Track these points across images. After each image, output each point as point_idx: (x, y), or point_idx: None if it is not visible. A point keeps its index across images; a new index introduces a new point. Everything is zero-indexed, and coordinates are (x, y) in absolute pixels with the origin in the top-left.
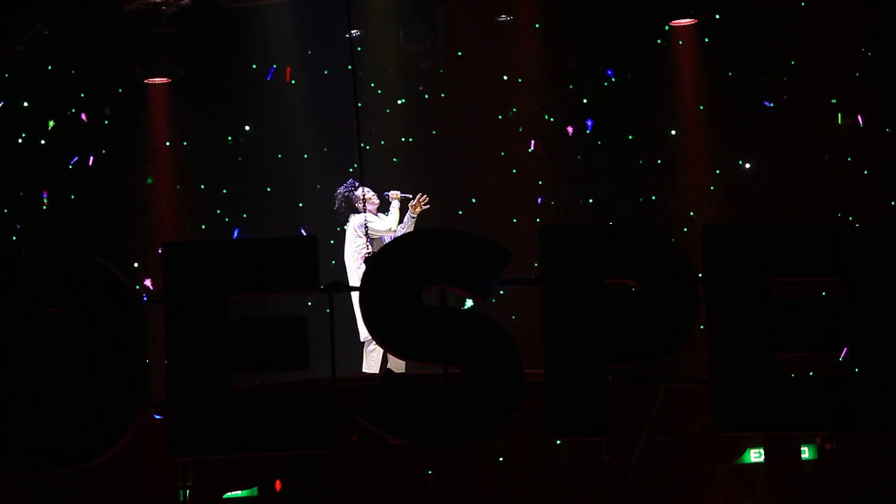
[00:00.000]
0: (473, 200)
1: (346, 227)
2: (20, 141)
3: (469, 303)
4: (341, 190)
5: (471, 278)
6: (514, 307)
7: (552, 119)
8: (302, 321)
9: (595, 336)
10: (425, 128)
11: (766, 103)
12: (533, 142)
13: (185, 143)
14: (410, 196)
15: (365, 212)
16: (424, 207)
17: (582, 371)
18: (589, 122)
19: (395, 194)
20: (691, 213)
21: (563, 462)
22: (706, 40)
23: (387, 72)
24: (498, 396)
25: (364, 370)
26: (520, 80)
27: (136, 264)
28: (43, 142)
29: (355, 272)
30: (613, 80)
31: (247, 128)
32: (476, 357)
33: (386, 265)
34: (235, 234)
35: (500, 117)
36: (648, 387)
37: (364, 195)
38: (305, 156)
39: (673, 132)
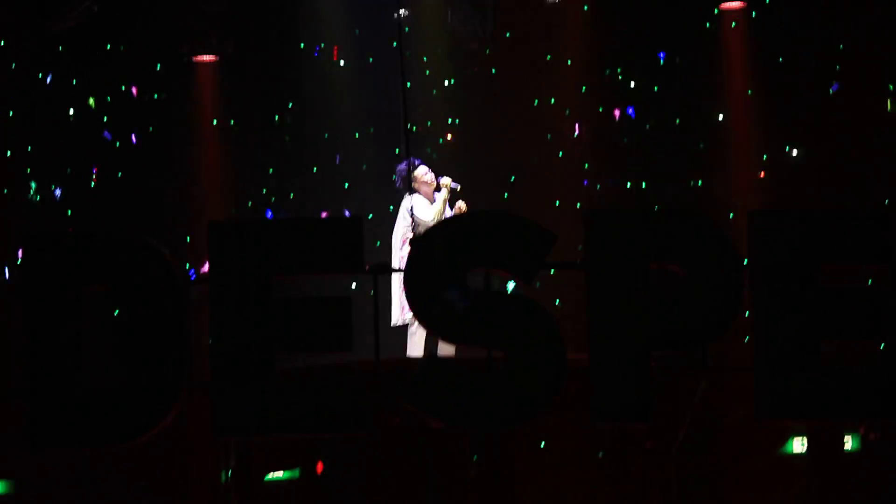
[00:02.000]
0: (519, 183)
1: (402, 205)
2: (69, 118)
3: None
4: (402, 167)
5: (516, 261)
6: (558, 291)
7: (599, 103)
8: (346, 302)
9: (639, 321)
10: (472, 110)
11: (835, 87)
12: (577, 125)
13: (232, 122)
14: (459, 187)
15: (416, 193)
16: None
17: (625, 356)
18: (630, 110)
19: (445, 182)
20: (737, 199)
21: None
22: (755, 24)
23: (434, 52)
24: (541, 380)
25: (408, 353)
26: (568, 63)
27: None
28: (89, 118)
29: (398, 254)
30: (661, 63)
31: (293, 107)
32: (520, 341)
33: (430, 246)
34: (269, 215)
35: (547, 100)
36: (691, 374)
37: (420, 176)
38: (355, 136)
39: (720, 117)
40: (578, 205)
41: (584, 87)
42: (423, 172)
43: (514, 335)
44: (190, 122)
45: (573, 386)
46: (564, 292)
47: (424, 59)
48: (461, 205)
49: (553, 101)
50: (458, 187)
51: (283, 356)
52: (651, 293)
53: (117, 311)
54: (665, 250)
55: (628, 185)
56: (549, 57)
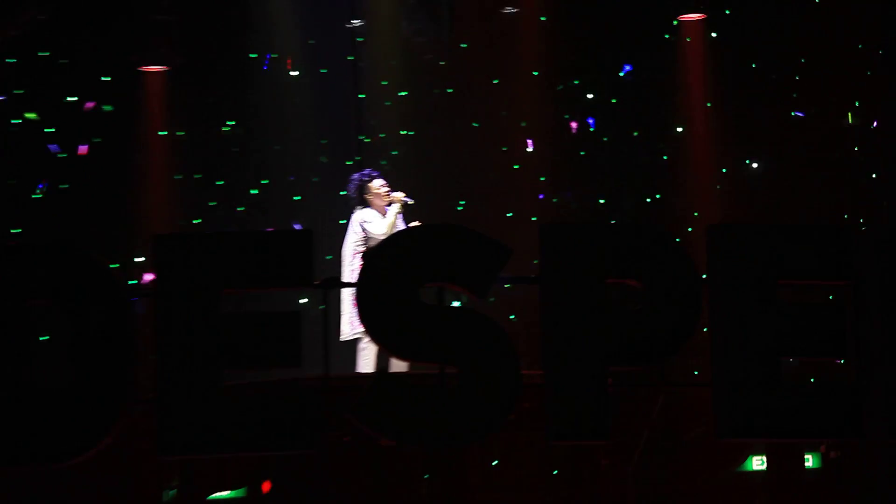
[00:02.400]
0: (473, 196)
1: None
2: (12, 128)
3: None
4: (356, 176)
5: (470, 276)
6: (512, 306)
7: (557, 114)
8: (295, 317)
9: (595, 337)
10: (426, 121)
11: (798, 114)
12: (531, 141)
13: (180, 133)
14: (413, 202)
15: (367, 207)
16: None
17: (581, 373)
18: (591, 121)
19: (397, 196)
20: (696, 213)
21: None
22: (714, 36)
23: (388, 63)
24: (495, 398)
25: (358, 369)
26: (529, 74)
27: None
28: (34, 130)
29: (349, 268)
30: (621, 74)
31: (244, 118)
32: (473, 357)
33: (383, 260)
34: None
35: (502, 112)
36: (649, 390)
37: (375, 188)
38: (304, 148)
39: (679, 129)
40: (534, 218)
41: (541, 100)
42: (378, 185)
43: (467, 351)
44: (137, 132)
45: (528, 403)
46: (519, 307)
47: (374, 76)
48: (399, 195)
49: (508, 113)
50: (412, 202)
51: (230, 372)
52: (608, 308)
53: (59, 326)
54: (622, 265)
55: (592, 198)
56: (508, 71)
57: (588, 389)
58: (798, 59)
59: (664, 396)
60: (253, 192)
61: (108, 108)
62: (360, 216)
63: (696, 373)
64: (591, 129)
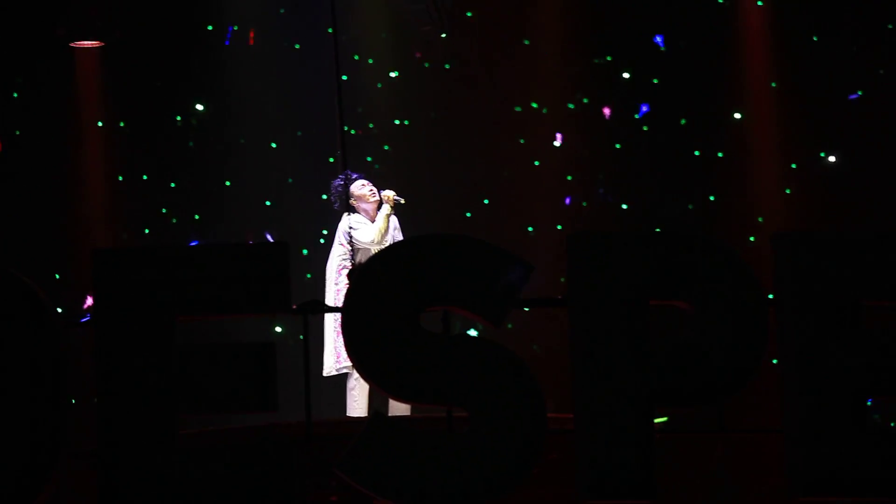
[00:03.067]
0: (485, 201)
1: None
2: None
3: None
4: (337, 182)
5: (482, 297)
6: (535, 335)
7: (585, 99)
8: (268, 350)
9: (637, 371)
10: (424, 108)
11: (852, 97)
12: (560, 136)
13: (122, 124)
14: (403, 201)
15: (354, 213)
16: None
17: (620, 416)
18: (638, 106)
19: (387, 195)
20: (759, 219)
21: None
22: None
23: (377, 37)
24: (514, 447)
25: (349, 413)
26: (551, 48)
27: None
28: None
29: (334, 288)
30: (663, 49)
31: (200, 106)
32: (487, 397)
33: (374, 280)
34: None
35: (519, 96)
36: (704, 437)
37: (357, 191)
38: (274, 144)
39: (738, 116)
40: (560, 227)
41: (565, 81)
42: (359, 186)
43: (480, 390)
44: (68, 124)
45: (555, 453)
46: (543, 336)
47: (358, 55)
48: (389, 193)
49: (520, 96)
50: (403, 201)
51: (188, 418)
52: (652, 336)
53: None
54: (669, 283)
55: (630, 201)
56: (526, 42)
57: (629, 436)
58: (885, 26)
59: (723, 445)
60: (214, 196)
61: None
62: (345, 223)
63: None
64: (638, 117)
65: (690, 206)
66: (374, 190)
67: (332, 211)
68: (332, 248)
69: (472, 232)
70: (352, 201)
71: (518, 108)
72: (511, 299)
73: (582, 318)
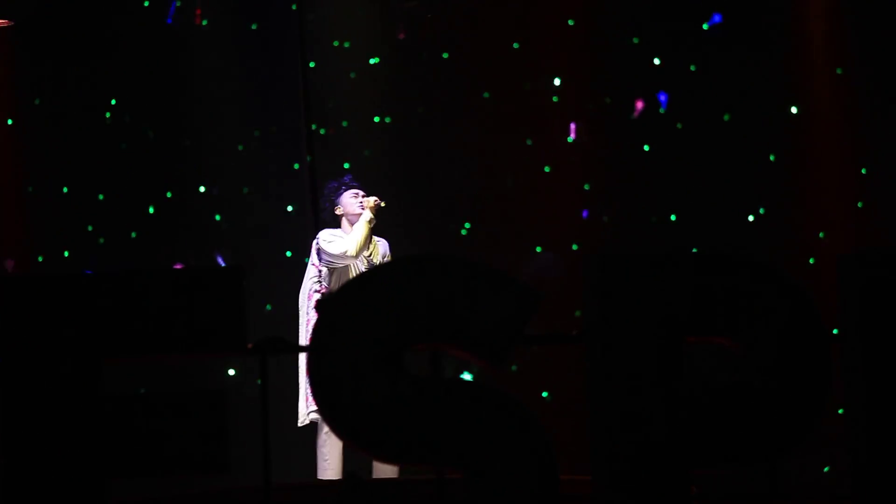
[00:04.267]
0: (484, 214)
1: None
2: None
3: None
4: (332, 184)
5: (479, 333)
6: (545, 378)
7: (606, 92)
8: (217, 400)
9: (670, 424)
10: (409, 101)
11: None
12: (574, 125)
13: (35, 122)
14: (384, 204)
15: (327, 229)
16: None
17: (649, 477)
18: (662, 97)
19: (369, 202)
20: (821, 235)
21: None
22: None
23: (353, 14)
24: None
25: (319, 475)
26: (563, 26)
27: None
28: None
29: (304, 320)
30: (705, 28)
31: (135, 100)
32: (486, 455)
33: (348, 311)
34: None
35: (525, 86)
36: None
37: (346, 201)
38: (226, 146)
39: (794, 110)
40: (575, 246)
41: (582, 68)
42: (349, 196)
43: (477, 447)
44: None
45: None
46: (554, 381)
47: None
48: (371, 200)
49: (533, 86)
50: (383, 204)
51: (121, 483)
52: (687, 381)
53: None
54: (708, 315)
55: (662, 215)
56: (528, 18)
57: (661, 502)
58: None
59: None
60: (150, 209)
61: None
62: (322, 236)
63: (825, 471)
64: (662, 111)
65: (744, 219)
66: (362, 195)
67: (297, 227)
68: (306, 272)
69: (468, 253)
70: (337, 211)
71: (524, 96)
72: (515, 335)
73: (601, 359)
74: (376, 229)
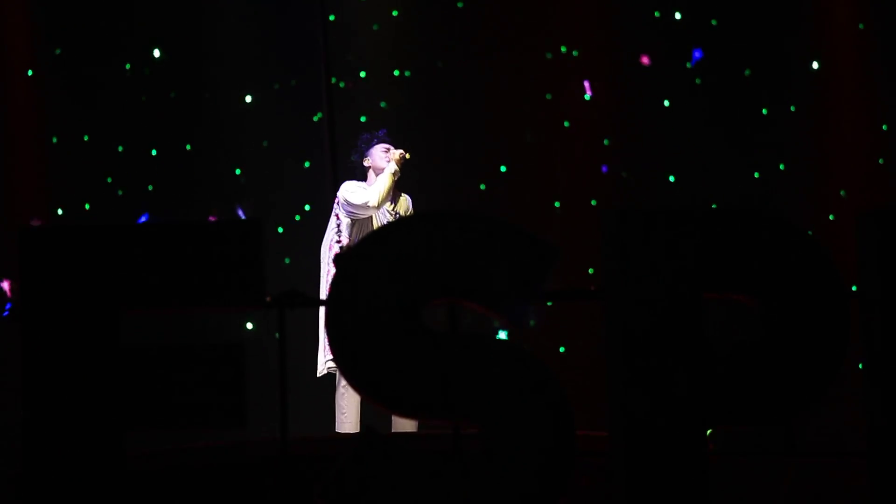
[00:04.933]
0: (502, 169)
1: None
2: None
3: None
4: (364, 137)
5: (497, 289)
6: (562, 334)
7: (624, 43)
8: (235, 353)
9: (688, 380)
10: (430, 54)
11: None
12: (587, 83)
13: (56, 72)
14: (409, 156)
15: (353, 180)
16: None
17: (666, 433)
18: (697, 54)
19: (395, 155)
20: (841, 192)
21: None
22: None
23: None
24: (535, 472)
25: (337, 428)
26: None
27: None
28: None
29: (327, 273)
30: None
31: (156, 52)
32: (502, 410)
33: (366, 266)
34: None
35: (546, 40)
36: (770, 460)
37: (375, 154)
38: (247, 98)
39: (815, 65)
40: (594, 202)
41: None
42: (379, 150)
43: (494, 402)
44: None
45: (586, 479)
46: (571, 336)
47: None
48: (397, 152)
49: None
50: (408, 156)
51: (137, 436)
52: (705, 338)
53: None
54: (727, 272)
55: (671, 177)
56: None
57: (677, 460)
58: None
59: (793, 470)
60: (169, 162)
61: None
62: (342, 191)
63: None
64: (691, 66)
65: (756, 175)
66: (389, 148)
67: (316, 180)
68: (329, 222)
69: (486, 207)
70: (366, 162)
71: (548, 55)
72: (533, 290)
73: (619, 315)
74: (400, 183)
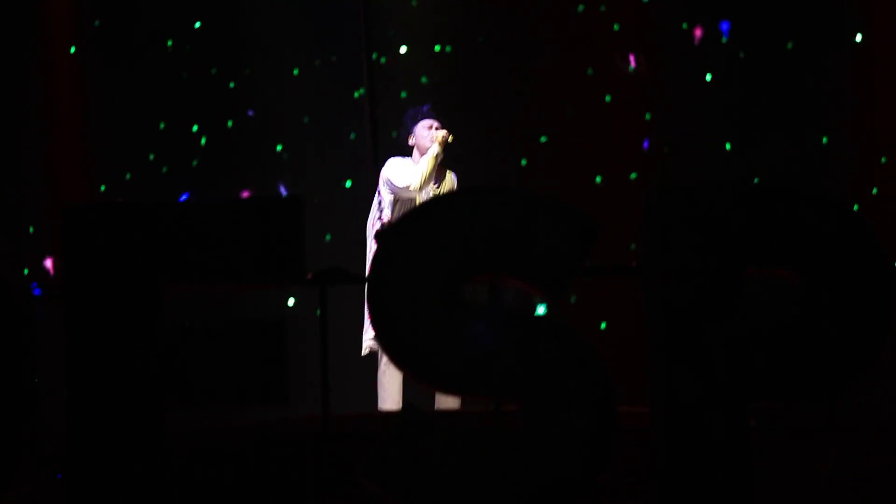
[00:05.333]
0: (543, 141)
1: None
2: None
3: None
4: (410, 113)
5: (538, 264)
6: (603, 310)
7: (667, 16)
8: (277, 330)
9: (730, 356)
10: (470, 30)
11: None
12: (633, 56)
13: (98, 52)
14: (451, 139)
15: (398, 157)
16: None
17: (707, 410)
18: (724, 25)
19: (439, 136)
20: (883, 160)
21: None
22: None
23: None
24: (577, 449)
25: (380, 405)
26: None
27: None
28: None
29: (370, 252)
30: None
31: (197, 25)
32: (544, 387)
33: (407, 243)
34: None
35: (584, 12)
36: (813, 437)
37: (419, 132)
38: (295, 71)
39: (858, 37)
40: (634, 176)
41: None
42: (423, 126)
43: (535, 378)
44: (31, 49)
45: (627, 457)
46: (613, 312)
47: None
48: (440, 133)
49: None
50: (451, 139)
51: (179, 413)
52: (747, 314)
53: None
54: (769, 247)
55: (723, 146)
56: None
57: (719, 435)
58: None
59: (836, 450)
60: (210, 139)
61: None
62: (387, 168)
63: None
64: (724, 41)
65: (800, 150)
66: (436, 126)
67: (357, 157)
68: (375, 198)
69: (526, 183)
70: (410, 140)
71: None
72: (574, 266)
73: (660, 291)
74: (443, 159)
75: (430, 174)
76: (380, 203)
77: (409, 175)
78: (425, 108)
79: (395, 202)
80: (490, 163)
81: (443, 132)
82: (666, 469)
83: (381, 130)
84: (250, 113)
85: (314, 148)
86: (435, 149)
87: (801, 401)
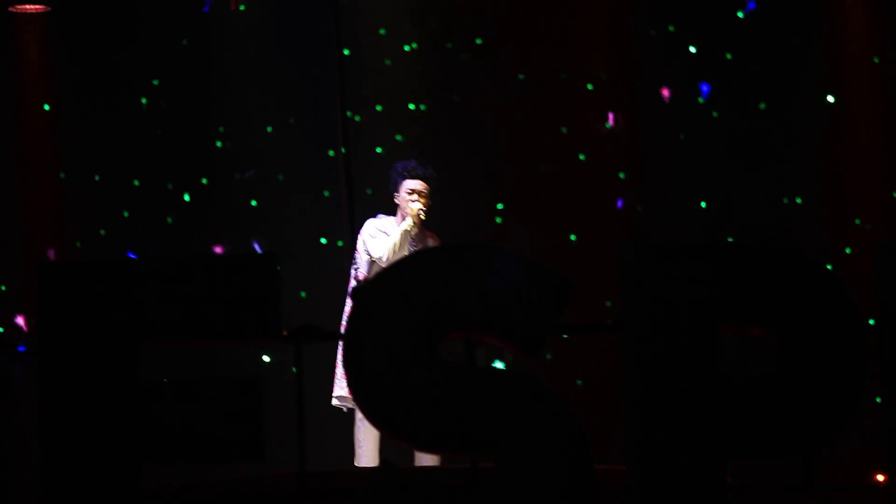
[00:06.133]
0: (517, 202)
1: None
2: None
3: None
4: (399, 167)
5: (513, 321)
6: (579, 367)
7: (641, 77)
8: (253, 387)
9: (704, 414)
10: (445, 88)
11: None
12: (612, 114)
13: (72, 108)
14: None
15: (381, 215)
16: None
17: (683, 468)
18: (704, 87)
19: (412, 209)
20: (857, 221)
21: None
22: None
23: (388, 1)
24: None
25: (356, 462)
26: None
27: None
28: None
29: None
30: (740, 16)
31: (171, 84)
32: (519, 444)
33: (383, 300)
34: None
35: (562, 73)
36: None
37: (404, 190)
38: (269, 128)
39: (831, 99)
40: (609, 236)
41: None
42: (408, 186)
43: (510, 435)
44: (5, 107)
45: None
46: (588, 369)
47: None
48: (415, 206)
49: (569, 74)
50: (424, 217)
51: (154, 470)
52: (722, 371)
53: None
54: (743, 305)
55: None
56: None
57: (696, 494)
58: None
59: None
60: (186, 196)
61: None
62: (368, 227)
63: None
64: (703, 100)
65: (773, 209)
66: (416, 192)
67: (331, 214)
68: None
69: (501, 241)
70: (395, 199)
71: (560, 85)
72: (549, 324)
73: (636, 348)
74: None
75: (399, 247)
76: (355, 260)
77: (382, 244)
78: (412, 164)
79: (372, 262)
80: (465, 220)
81: (417, 205)
82: None
83: (356, 188)
84: (251, 173)
85: (289, 205)
86: (407, 223)
87: (777, 459)
